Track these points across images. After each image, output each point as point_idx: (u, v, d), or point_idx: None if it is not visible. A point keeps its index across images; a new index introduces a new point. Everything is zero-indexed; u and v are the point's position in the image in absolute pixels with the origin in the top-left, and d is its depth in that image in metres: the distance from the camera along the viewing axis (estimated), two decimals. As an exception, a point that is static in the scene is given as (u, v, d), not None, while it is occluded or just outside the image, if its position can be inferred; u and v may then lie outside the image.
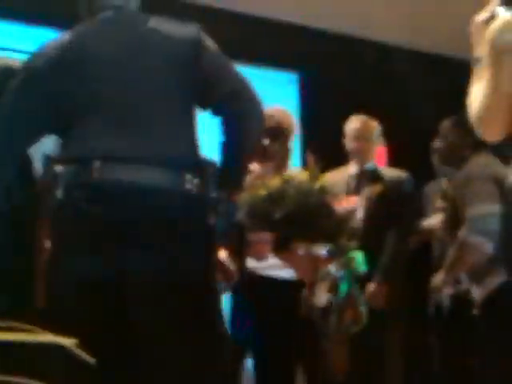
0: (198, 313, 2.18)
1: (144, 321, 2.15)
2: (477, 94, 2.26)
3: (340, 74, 6.08)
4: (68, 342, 1.03)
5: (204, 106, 2.40)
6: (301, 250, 3.37)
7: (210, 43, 2.43)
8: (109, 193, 2.16)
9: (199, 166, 2.27)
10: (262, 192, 3.27)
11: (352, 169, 4.21)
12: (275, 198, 3.23)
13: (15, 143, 2.39)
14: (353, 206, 3.43)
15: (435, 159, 4.36)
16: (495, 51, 2.19)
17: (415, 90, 5.92)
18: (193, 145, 2.31)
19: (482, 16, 2.33)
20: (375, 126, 4.30)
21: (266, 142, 3.64)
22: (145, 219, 2.14)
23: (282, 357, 3.53)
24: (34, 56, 2.40)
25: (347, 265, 3.28)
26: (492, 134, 2.31)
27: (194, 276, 2.18)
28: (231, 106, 2.34)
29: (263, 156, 3.64)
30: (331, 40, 6.18)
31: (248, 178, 3.51)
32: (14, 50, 4.93)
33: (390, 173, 4.29)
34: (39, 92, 2.33)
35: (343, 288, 3.33)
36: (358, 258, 3.30)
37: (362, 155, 4.18)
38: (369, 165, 4.19)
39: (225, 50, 5.75)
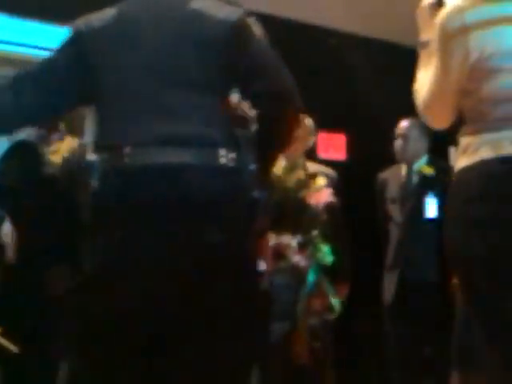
0: (241, 292, 2.11)
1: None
2: (424, 81, 2.27)
3: (286, 61, 6.07)
4: None
5: (242, 94, 2.28)
6: (271, 239, 3.38)
7: (255, 29, 2.30)
8: (142, 177, 2.11)
9: (232, 140, 2.20)
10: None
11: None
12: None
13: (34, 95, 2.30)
14: (326, 199, 3.45)
15: (398, 155, 4.52)
16: (444, 37, 2.20)
17: (365, 77, 5.95)
18: (223, 124, 2.22)
19: (428, 0, 2.36)
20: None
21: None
22: (182, 199, 2.07)
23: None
24: (80, 20, 2.36)
25: (314, 255, 3.31)
26: (440, 121, 2.32)
27: (239, 249, 2.13)
28: (266, 104, 2.22)
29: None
30: (278, 25, 6.17)
31: None
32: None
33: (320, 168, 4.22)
34: (76, 51, 2.30)
35: (310, 278, 3.37)
36: (325, 249, 3.33)
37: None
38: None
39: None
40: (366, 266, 4.52)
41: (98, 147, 2.23)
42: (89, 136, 3.71)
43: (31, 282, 3.16)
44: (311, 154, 4.29)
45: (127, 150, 2.12)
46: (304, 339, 3.46)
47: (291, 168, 3.38)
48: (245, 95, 2.27)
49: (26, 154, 3.29)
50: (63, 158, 3.17)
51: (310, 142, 4.06)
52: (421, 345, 4.37)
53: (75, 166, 3.17)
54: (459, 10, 2.18)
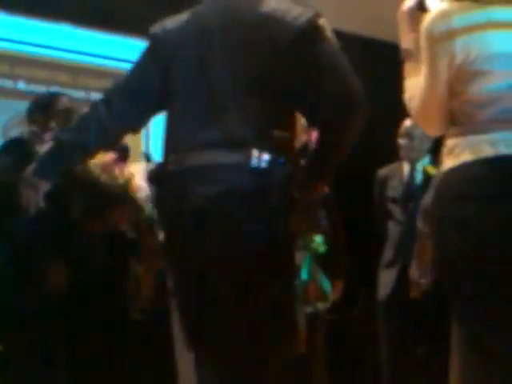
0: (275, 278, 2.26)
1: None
2: (415, 89, 2.28)
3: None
4: None
5: (301, 100, 2.34)
6: None
7: (325, 31, 2.34)
8: (186, 179, 2.26)
9: (269, 142, 2.26)
10: None
11: None
12: None
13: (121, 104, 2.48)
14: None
15: (402, 153, 4.50)
16: (431, 41, 2.21)
17: (363, 77, 5.95)
18: (264, 125, 2.28)
19: (407, 4, 2.36)
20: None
21: None
22: (216, 200, 2.22)
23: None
24: (155, 27, 2.54)
25: (308, 245, 3.34)
26: (434, 127, 2.34)
27: (274, 244, 2.25)
28: (334, 105, 2.26)
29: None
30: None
31: None
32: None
33: None
34: (154, 57, 2.47)
35: (304, 268, 3.39)
36: (318, 239, 3.36)
37: None
38: None
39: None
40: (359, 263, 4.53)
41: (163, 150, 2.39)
42: None
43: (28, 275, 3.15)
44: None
45: (178, 153, 2.30)
46: (301, 327, 3.48)
47: None
48: (312, 97, 2.30)
49: (18, 151, 3.27)
50: None
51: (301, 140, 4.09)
52: (416, 344, 4.36)
53: None
54: (446, 15, 2.19)
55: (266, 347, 2.27)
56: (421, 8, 2.32)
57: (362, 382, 5.31)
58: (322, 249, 3.40)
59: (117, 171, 3.23)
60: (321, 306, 3.47)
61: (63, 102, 3.57)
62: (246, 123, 2.26)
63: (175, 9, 2.62)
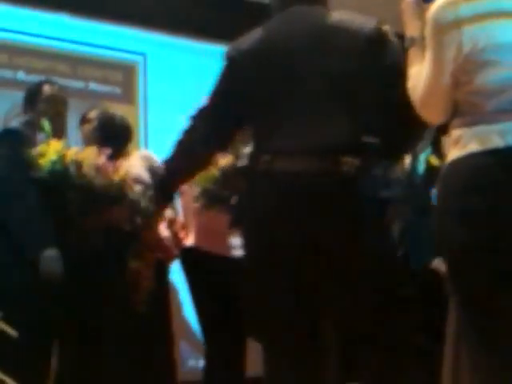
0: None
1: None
2: (419, 77, 2.26)
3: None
4: None
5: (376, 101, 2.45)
6: None
7: (391, 38, 2.47)
8: (276, 183, 2.38)
9: (359, 148, 2.37)
10: (214, 171, 3.30)
11: None
12: (228, 177, 3.26)
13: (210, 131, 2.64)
14: None
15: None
16: (437, 30, 2.20)
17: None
18: (353, 131, 2.39)
19: None
20: None
21: None
22: (306, 204, 2.35)
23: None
24: (232, 46, 2.61)
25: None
26: (436, 115, 2.31)
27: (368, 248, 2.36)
28: (405, 110, 2.33)
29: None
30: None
31: None
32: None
33: None
34: (235, 78, 2.56)
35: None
36: None
37: None
38: None
39: (174, 24, 5.75)
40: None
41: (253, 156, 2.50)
42: (73, 138, 3.74)
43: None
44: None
45: (267, 157, 2.41)
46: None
47: None
48: (383, 102, 2.43)
49: (13, 141, 3.26)
50: (51, 161, 3.16)
51: None
52: (416, 332, 4.34)
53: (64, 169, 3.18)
54: (453, 3, 2.18)
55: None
56: None
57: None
58: None
59: (111, 171, 3.23)
60: None
61: (46, 90, 3.54)
62: (337, 131, 2.38)
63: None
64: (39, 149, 3.20)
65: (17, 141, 3.25)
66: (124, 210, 3.26)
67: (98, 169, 3.20)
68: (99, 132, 3.69)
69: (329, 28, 2.47)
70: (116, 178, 3.24)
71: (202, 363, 4.21)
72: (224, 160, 3.34)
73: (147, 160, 3.76)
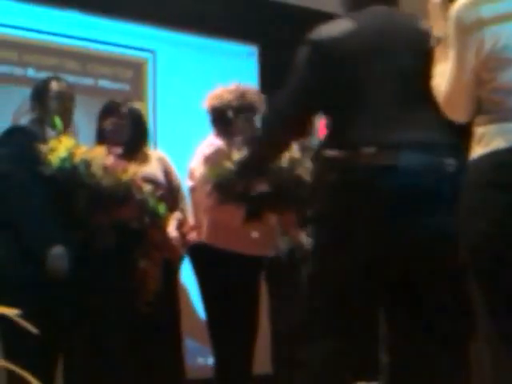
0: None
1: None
2: (443, 76, 2.29)
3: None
4: (11, 312, 1.02)
5: None
6: (272, 220, 3.40)
7: None
8: (399, 179, 2.35)
9: (454, 147, 2.41)
10: (228, 165, 3.28)
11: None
12: (243, 170, 3.24)
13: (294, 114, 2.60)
14: None
15: None
16: (460, 30, 2.23)
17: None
18: (446, 129, 2.41)
19: None
20: None
21: (230, 114, 3.64)
22: (413, 199, 2.35)
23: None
24: (320, 32, 2.57)
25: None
26: (460, 114, 2.33)
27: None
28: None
29: (228, 130, 3.64)
30: (290, 12, 6.16)
31: (213, 153, 3.52)
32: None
33: None
34: (324, 64, 2.51)
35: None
36: None
37: None
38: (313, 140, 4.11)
39: (184, 21, 5.74)
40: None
41: (338, 145, 2.43)
42: (83, 135, 3.72)
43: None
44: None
45: (367, 150, 2.36)
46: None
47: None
48: None
49: (20, 138, 3.26)
50: (60, 158, 3.15)
51: None
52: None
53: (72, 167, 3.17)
54: (474, 4, 2.21)
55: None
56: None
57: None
58: None
59: (120, 171, 3.22)
60: None
61: (54, 87, 3.53)
62: (436, 127, 2.41)
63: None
64: (50, 144, 3.19)
65: (24, 138, 3.25)
66: (132, 209, 3.26)
67: (107, 169, 3.19)
68: (131, 128, 3.65)
69: (417, 32, 2.53)
70: (124, 178, 3.23)
71: (210, 360, 4.22)
72: (237, 153, 3.31)
73: (162, 161, 3.74)
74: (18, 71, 5.17)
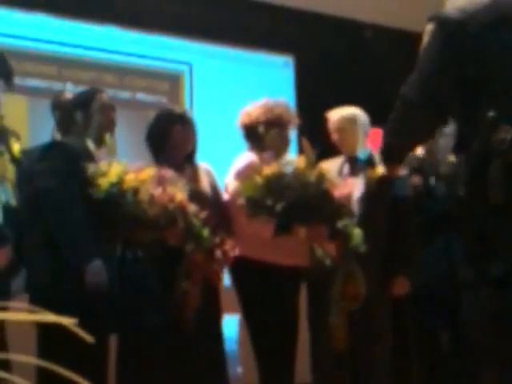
0: None
1: None
2: None
3: (338, 58, 6.08)
4: (67, 321, 1.04)
5: None
6: (302, 233, 3.40)
7: None
8: None
9: None
10: (259, 180, 3.30)
11: (342, 158, 4.10)
12: (272, 185, 3.26)
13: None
14: (349, 190, 3.47)
15: None
16: None
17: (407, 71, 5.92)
18: None
19: None
20: (356, 115, 4.15)
21: (262, 129, 3.66)
22: None
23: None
24: (454, 10, 2.22)
25: (347, 244, 3.33)
26: None
27: None
28: None
29: (260, 145, 3.66)
30: (328, 23, 6.17)
31: (245, 167, 3.55)
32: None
33: None
34: (461, 42, 2.19)
35: (344, 265, 3.39)
36: (357, 236, 3.35)
37: (347, 146, 4.07)
38: (361, 152, 4.09)
39: (219, 33, 5.77)
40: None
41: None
42: (121, 148, 3.71)
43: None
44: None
45: None
46: (342, 324, 3.47)
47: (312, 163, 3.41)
48: None
49: (59, 154, 3.28)
50: (110, 183, 3.16)
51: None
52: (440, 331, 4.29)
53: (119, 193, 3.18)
54: None
55: None
56: None
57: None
58: (362, 247, 3.40)
59: (167, 200, 3.21)
60: (351, 306, 3.44)
61: (102, 99, 3.46)
62: None
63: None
64: (100, 167, 3.19)
65: (64, 153, 3.26)
66: (176, 235, 3.25)
67: (154, 198, 3.19)
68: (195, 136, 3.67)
69: None
70: (171, 206, 3.21)
71: (239, 370, 4.21)
72: (268, 168, 3.33)
73: (209, 175, 3.75)
74: (57, 86, 5.24)
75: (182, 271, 3.25)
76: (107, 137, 3.37)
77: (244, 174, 3.49)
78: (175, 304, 3.21)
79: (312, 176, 3.32)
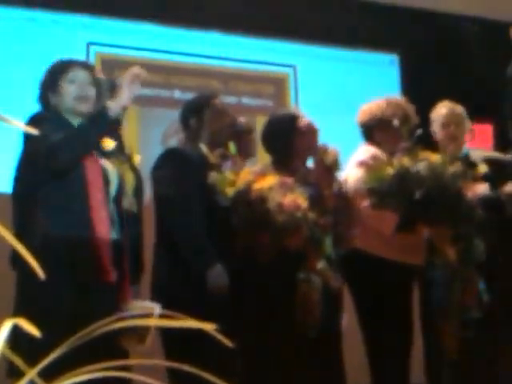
0: None
1: None
2: None
3: (442, 55, 5.98)
4: (208, 326, 1.06)
5: None
6: (425, 232, 3.33)
7: None
8: None
9: None
10: (390, 170, 3.21)
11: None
12: (406, 176, 3.18)
13: None
14: (481, 193, 3.35)
15: None
16: None
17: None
18: None
19: None
20: (461, 111, 4.06)
21: (396, 123, 3.63)
22: None
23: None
24: None
25: (467, 251, 3.23)
26: None
27: None
28: None
29: (394, 137, 3.62)
30: (431, 18, 6.08)
31: (369, 158, 3.50)
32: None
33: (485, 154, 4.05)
34: None
35: (462, 273, 3.30)
36: (480, 246, 3.24)
37: (452, 142, 3.98)
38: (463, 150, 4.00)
39: (323, 34, 5.75)
40: None
41: None
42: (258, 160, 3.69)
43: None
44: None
45: None
46: (454, 333, 3.39)
47: (450, 160, 3.30)
48: None
49: (174, 161, 3.32)
50: (237, 191, 3.20)
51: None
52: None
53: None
54: None
55: None
56: None
57: None
58: (482, 256, 3.30)
59: (294, 207, 3.20)
60: (474, 314, 3.34)
61: (217, 105, 3.46)
62: None
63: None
64: (228, 176, 3.23)
65: (178, 160, 3.30)
66: (298, 240, 3.23)
67: (282, 206, 3.18)
68: None
69: None
70: (297, 214, 3.20)
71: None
72: (405, 159, 3.24)
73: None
74: (164, 93, 5.34)
75: (301, 275, 3.24)
76: (232, 146, 3.39)
77: (368, 164, 3.42)
78: (298, 308, 3.21)
79: (448, 173, 3.21)
